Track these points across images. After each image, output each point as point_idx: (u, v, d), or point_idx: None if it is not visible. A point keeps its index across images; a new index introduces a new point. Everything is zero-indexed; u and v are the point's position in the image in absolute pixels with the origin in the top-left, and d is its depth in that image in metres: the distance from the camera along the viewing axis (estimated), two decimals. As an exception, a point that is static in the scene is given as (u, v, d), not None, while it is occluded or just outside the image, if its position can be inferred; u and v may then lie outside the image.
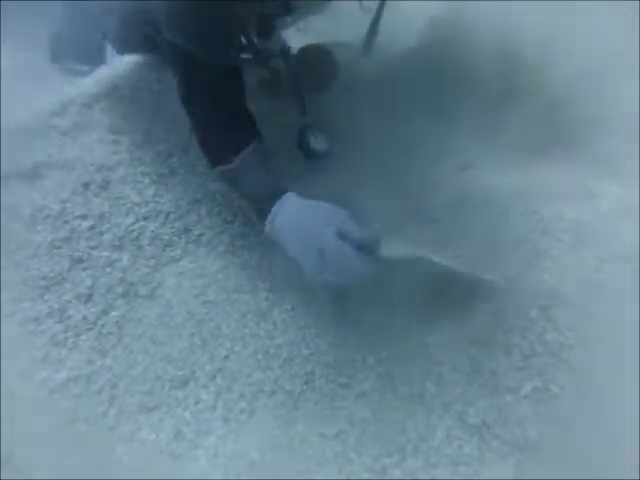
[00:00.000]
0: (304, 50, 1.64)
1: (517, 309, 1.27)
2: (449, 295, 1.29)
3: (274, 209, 1.20)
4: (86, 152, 1.48)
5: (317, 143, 1.58)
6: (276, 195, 1.21)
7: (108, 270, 1.32)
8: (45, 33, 2.24)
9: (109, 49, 2.03)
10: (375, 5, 1.59)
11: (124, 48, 1.74)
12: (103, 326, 1.26)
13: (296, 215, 1.18)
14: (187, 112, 1.34)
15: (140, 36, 1.61)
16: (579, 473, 1.05)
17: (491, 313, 1.27)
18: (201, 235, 1.42)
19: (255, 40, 1.51)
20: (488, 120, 1.61)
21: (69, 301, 1.27)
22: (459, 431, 1.13)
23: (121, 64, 1.79)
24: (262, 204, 1.23)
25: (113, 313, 1.28)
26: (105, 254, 1.34)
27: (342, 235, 1.10)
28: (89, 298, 1.29)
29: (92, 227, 1.37)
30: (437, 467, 1.09)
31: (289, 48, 1.63)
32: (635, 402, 1.10)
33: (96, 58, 2.10)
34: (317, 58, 1.65)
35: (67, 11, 2.25)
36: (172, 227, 1.41)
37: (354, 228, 1.11)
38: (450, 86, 1.69)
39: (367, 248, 1.09)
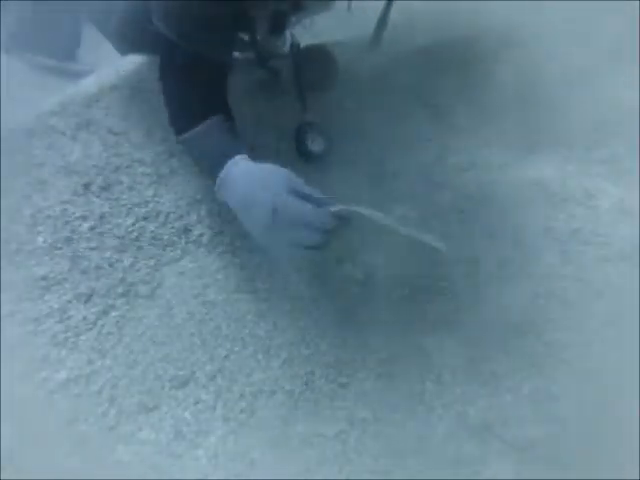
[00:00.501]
0: (304, 49, 1.64)
1: (517, 309, 1.27)
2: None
3: (221, 174, 1.15)
4: (86, 153, 1.48)
5: (314, 145, 1.57)
6: (225, 160, 1.15)
7: (108, 270, 1.32)
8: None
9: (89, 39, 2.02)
10: (362, 5, 1.59)
11: (127, 48, 1.72)
12: (103, 326, 1.26)
13: (243, 178, 1.12)
14: (162, 84, 1.33)
15: (146, 36, 1.58)
16: (579, 473, 1.05)
17: (491, 313, 1.27)
18: (201, 235, 1.42)
19: (259, 38, 1.50)
20: (488, 121, 1.61)
21: (69, 301, 1.27)
22: (459, 431, 1.13)
23: (121, 64, 1.79)
24: (213, 170, 1.18)
25: (113, 313, 1.28)
26: (105, 255, 1.34)
27: (294, 192, 1.04)
28: (89, 298, 1.29)
29: (93, 228, 1.37)
30: (437, 467, 1.09)
31: (299, 45, 1.61)
32: (635, 402, 1.10)
33: (63, 51, 2.09)
34: (317, 57, 1.65)
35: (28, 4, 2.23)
36: (172, 227, 1.41)
37: (304, 186, 1.07)
38: (451, 86, 1.69)
39: (322, 204, 1.05)
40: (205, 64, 1.29)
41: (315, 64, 1.63)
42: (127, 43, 1.70)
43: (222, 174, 1.15)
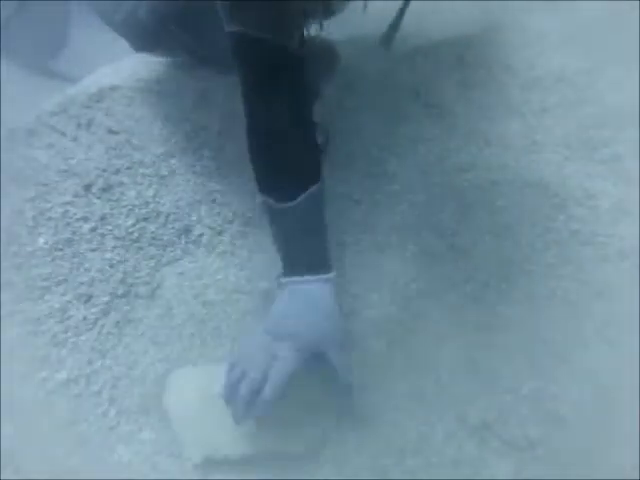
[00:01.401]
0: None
1: (517, 309, 1.27)
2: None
3: (282, 280, 1.08)
4: (87, 153, 1.48)
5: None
6: (312, 269, 1.07)
7: (109, 271, 1.32)
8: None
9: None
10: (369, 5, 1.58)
11: (143, 46, 1.67)
12: (103, 326, 1.26)
13: (285, 315, 1.06)
14: (247, 108, 1.16)
15: (166, 34, 1.53)
16: (579, 473, 1.05)
17: (490, 313, 1.27)
18: (201, 235, 1.42)
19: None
20: (488, 121, 1.61)
21: (69, 301, 1.28)
22: (459, 431, 1.13)
23: (121, 64, 1.79)
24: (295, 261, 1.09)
25: (113, 313, 1.28)
26: (106, 255, 1.34)
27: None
28: (89, 299, 1.29)
29: (93, 229, 1.37)
30: (437, 467, 1.09)
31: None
32: (635, 402, 1.10)
33: (47, 51, 2.07)
34: (319, 48, 1.63)
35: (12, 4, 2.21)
36: (172, 228, 1.41)
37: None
38: (451, 86, 1.69)
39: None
40: (287, 69, 1.14)
41: (316, 55, 1.62)
42: (142, 40, 1.64)
43: (284, 280, 1.08)
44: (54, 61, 2.23)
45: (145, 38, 1.59)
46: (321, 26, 1.49)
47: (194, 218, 1.43)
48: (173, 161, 1.50)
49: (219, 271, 1.37)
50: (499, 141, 1.56)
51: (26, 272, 1.30)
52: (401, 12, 1.59)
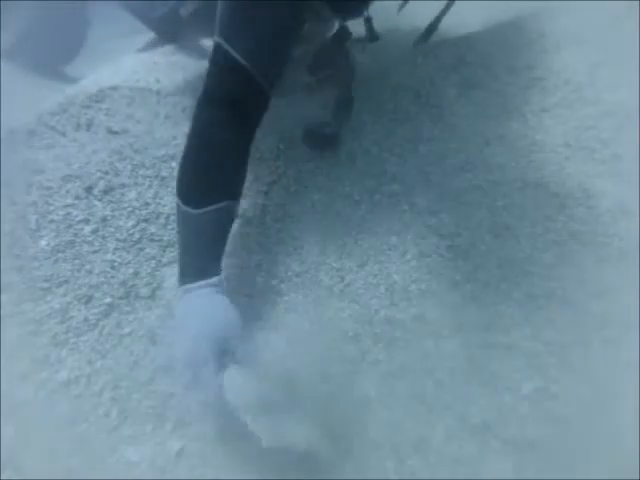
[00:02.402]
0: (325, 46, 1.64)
1: (517, 310, 1.27)
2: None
3: (180, 290, 1.16)
4: (87, 155, 1.48)
5: (326, 129, 1.57)
6: (201, 274, 1.15)
7: (110, 272, 1.33)
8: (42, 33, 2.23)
9: None
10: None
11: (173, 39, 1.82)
12: (104, 327, 1.26)
13: (189, 316, 1.13)
14: (195, 116, 1.23)
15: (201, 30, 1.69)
16: (579, 473, 1.05)
17: (490, 313, 1.27)
18: (201, 236, 1.42)
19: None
20: (487, 121, 1.61)
21: (70, 302, 1.28)
22: (459, 431, 1.13)
23: (121, 64, 1.80)
24: (188, 269, 1.17)
25: (114, 314, 1.28)
26: (107, 257, 1.34)
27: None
28: (90, 300, 1.29)
29: (95, 231, 1.37)
30: (437, 467, 1.09)
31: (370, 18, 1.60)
32: (635, 402, 1.10)
33: (66, 53, 2.09)
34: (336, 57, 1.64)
35: (27, 17, 2.23)
36: (172, 228, 1.41)
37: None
38: (451, 86, 1.69)
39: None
40: (250, 102, 1.23)
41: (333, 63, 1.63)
42: (175, 34, 1.79)
43: (181, 291, 1.15)
44: (70, 66, 2.24)
45: (180, 32, 1.75)
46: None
47: (194, 218, 1.43)
48: (173, 162, 1.50)
49: (219, 271, 1.37)
50: (499, 141, 1.56)
51: (27, 273, 1.30)
52: (442, 14, 1.61)
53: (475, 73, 1.71)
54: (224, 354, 1.08)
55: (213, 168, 1.21)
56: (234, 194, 1.24)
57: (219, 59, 1.20)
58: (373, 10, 1.56)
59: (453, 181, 1.50)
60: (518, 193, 1.45)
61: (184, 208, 1.18)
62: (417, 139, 1.59)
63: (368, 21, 1.57)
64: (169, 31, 1.83)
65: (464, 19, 1.81)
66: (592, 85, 1.62)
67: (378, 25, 1.60)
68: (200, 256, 1.18)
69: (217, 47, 1.20)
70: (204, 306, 1.14)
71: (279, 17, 1.20)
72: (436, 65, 1.75)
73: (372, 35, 1.61)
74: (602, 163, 1.48)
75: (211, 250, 1.20)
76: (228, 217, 1.23)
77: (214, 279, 1.16)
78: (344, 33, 1.57)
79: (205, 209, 1.17)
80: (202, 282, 1.14)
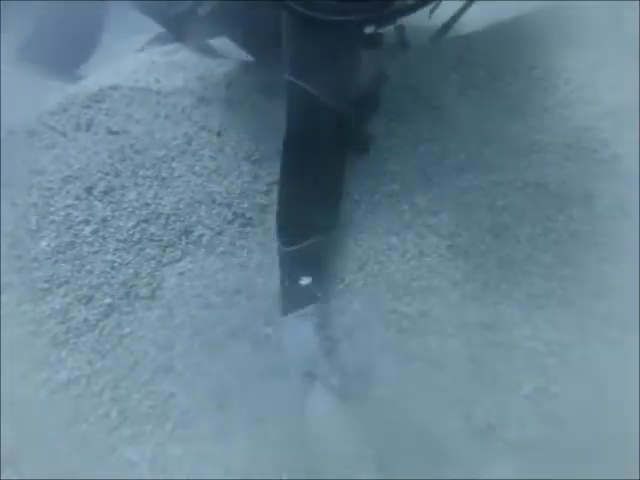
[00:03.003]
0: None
1: (518, 309, 1.27)
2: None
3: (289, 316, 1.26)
4: (88, 156, 1.48)
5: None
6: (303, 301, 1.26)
7: (110, 273, 1.33)
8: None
9: None
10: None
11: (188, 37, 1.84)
12: (104, 327, 1.26)
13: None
14: (285, 158, 1.30)
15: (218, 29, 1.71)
16: (579, 473, 1.05)
17: (491, 312, 1.27)
18: (201, 236, 1.42)
19: None
20: (487, 121, 1.61)
21: (70, 303, 1.28)
22: (461, 431, 1.13)
23: (121, 64, 1.79)
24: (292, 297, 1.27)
25: (114, 314, 1.28)
26: (107, 257, 1.34)
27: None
28: (90, 300, 1.29)
29: (95, 231, 1.37)
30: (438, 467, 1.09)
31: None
32: (635, 402, 1.10)
33: (65, 64, 2.10)
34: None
35: (41, 17, 2.24)
36: (172, 229, 1.41)
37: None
38: (451, 86, 1.69)
39: None
40: (334, 133, 1.28)
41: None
42: (191, 33, 1.80)
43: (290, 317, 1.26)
44: (84, 66, 2.24)
45: (196, 31, 1.76)
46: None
47: (194, 219, 1.43)
48: (173, 163, 1.50)
49: (219, 271, 1.38)
50: (499, 141, 1.56)
51: (28, 274, 1.30)
52: (459, 13, 1.62)
53: (475, 73, 1.71)
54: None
55: (308, 205, 1.30)
56: (328, 226, 1.33)
57: (296, 97, 1.26)
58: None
59: (453, 181, 1.50)
60: (518, 193, 1.45)
61: (280, 247, 1.29)
62: (417, 139, 1.59)
63: (400, 29, 1.59)
64: (185, 30, 1.84)
65: (464, 19, 1.80)
66: (592, 85, 1.61)
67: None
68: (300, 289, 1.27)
69: (292, 85, 1.25)
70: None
71: (347, 46, 1.24)
72: (436, 65, 1.75)
73: (404, 43, 1.64)
74: (602, 163, 1.48)
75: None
76: (320, 251, 1.32)
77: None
78: (377, 37, 1.58)
79: (297, 246, 1.27)
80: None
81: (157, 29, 2.02)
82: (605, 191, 1.43)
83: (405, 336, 1.27)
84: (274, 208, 1.45)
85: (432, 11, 1.58)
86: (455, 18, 1.66)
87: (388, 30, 1.54)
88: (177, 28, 1.89)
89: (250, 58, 1.79)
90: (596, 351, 1.20)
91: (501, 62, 1.71)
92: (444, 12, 1.65)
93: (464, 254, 1.36)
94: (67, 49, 2.20)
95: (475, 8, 1.79)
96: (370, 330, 1.29)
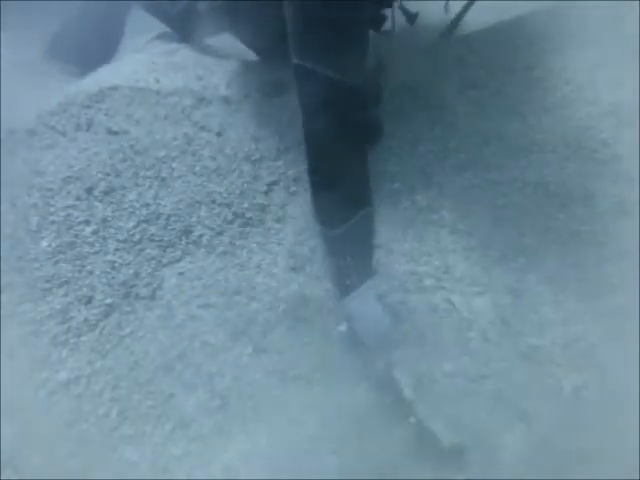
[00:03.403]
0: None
1: (519, 311, 1.27)
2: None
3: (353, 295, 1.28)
4: (88, 156, 1.48)
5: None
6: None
7: (110, 273, 1.33)
8: (46, 32, 2.24)
9: None
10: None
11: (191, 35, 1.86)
12: (104, 327, 1.26)
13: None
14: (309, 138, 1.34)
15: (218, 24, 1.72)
16: (579, 473, 1.05)
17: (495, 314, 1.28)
18: (201, 236, 1.42)
19: None
20: (487, 121, 1.61)
21: (71, 303, 1.28)
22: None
23: (121, 64, 1.80)
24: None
25: (114, 314, 1.28)
26: (107, 258, 1.34)
27: None
28: (90, 300, 1.29)
29: (95, 232, 1.38)
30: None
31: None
32: (635, 402, 1.11)
33: (90, 63, 2.11)
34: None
35: (73, 12, 2.26)
36: (173, 229, 1.41)
37: None
38: (451, 86, 1.69)
39: None
40: (349, 105, 1.30)
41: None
42: (193, 30, 1.83)
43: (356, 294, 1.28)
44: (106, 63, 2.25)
45: (197, 28, 1.79)
46: None
47: (194, 219, 1.43)
48: (173, 163, 1.50)
49: (219, 271, 1.38)
50: (499, 141, 1.56)
51: (28, 274, 1.30)
52: (465, 9, 1.63)
53: (475, 73, 1.71)
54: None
55: (341, 186, 1.33)
56: (365, 201, 1.36)
57: (306, 80, 1.27)
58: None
59: (453, 181, 1.50)
60: (518, 193, 1.45)
61: (324, 232, 1.33)
62: (417, 139, 1.59)
63: (402, 6, 1.61)
64: (186, 28, 1.87)
65: (464, 19, 1.81)
66: (592, 85, 1.62)
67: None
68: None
69: (299, 68, 1.26)
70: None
71: (350, 20, 1.25)
72: (436, 65, 1.75)
73: (410, 17, 1.66)
74: (602, 163, 1.48)
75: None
76: (366, 226, 1.35)
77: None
78: (379, 18, 1.58)
79: (341, 228, 1.31)
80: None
81: (157, 29, 2.02)
82: (605, 191, 1.43)
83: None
84: (274, 208, 1.46)
85: (447, 7, 1.59)
86: (462, 14, 1.66)
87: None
88: (180, 26, 1.90)
89: (252, 56, 1.79)
90: (597, 351, 1.20)
91: (501, 62, 1.71)
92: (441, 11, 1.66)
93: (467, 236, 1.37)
94: (92, 47, 2.22)
95: (475, 8, 1.79)
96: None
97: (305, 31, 1.25)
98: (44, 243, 1.34)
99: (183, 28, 1.89)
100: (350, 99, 1.30)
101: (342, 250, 1.32)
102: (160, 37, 2.03)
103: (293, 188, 1.50)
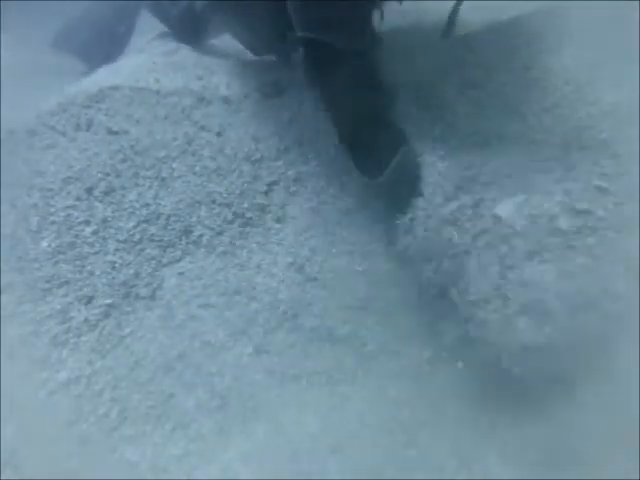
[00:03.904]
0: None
1: (520, 310, 1.27)
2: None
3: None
4: (88, 156, 1.48)
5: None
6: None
7: (110, 273, 1.33)
8: (46, 32, 2.25)
9: None
10: None
11: (191, 36, 1.88)
12: (104, 327, 1.26)
13: None
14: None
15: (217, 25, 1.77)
16: (579, 473, 1.05)
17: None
18: (201, 236, 1.42)
19: None
20: (487, 121, 1.61)
21: (71, 303, 1.28)
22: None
23: (121, 64, 1.80)
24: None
25: (114, 314, 1.28)
26: (107, 258, 1.34)
27: None
28: (90, 300, 1.29)
29: (95, 232, 1.38)
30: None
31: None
32: (635, 402, 1.11)
33: (95, 60, 2.12)
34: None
35: (82, 9, 2.28)
36: (173, 229, 1.41)
37: None
38: (451, 86, 1.69)
39: None
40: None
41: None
42: (192, 31, 1.86)
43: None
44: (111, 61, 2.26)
45: (196, 29, 1.83)
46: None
47: (194, 219, 1.44)
48: (173, 163, 1.50)
49: (219, 271, 1.38)
50: (499, 141, 1.56)
51: (28, 274, 1.30)
52: (455, 10, 1.63)
53: (475, 73, 1.71)
54: None
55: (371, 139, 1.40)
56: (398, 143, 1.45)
57: (311, 50, 1.35)
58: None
59: (453, 181, 1.49)
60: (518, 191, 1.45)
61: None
62: (417, 139, 1.59)
63: None
64: (186, 29, 1.89)
65: (464, 19, 1.81)
66: (592, 85, 1.61)
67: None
68: None
69: (304, 41, 1.33)
70: None
71: None
72: (436, 65, 1.75)
73: None
74: (602, 163, 1.48)
75: None
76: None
77: None
78: None
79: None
80: None
81: (157, 29, 2.02)
82: (605, 191, 1.43)
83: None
84: (274, 208, 1.46)
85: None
86: (454, 14, 1.66)
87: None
88: (179, 27, 1.91)
89: (251, 56, 1.79)
90: (598, 351, 1.20)
91: (500, 62, 1.71)
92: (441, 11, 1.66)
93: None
94: (99, 45, 2.23)
95: (475, 8, 1.79)
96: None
97: (304, 5, 1.30)
98: (44, 243, 1.34)
99: (183, 28, 1.89)
100: (353, 58, 1.36)
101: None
102: (160, 37, 2.03)
103: (293, 188, 1.50)
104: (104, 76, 1.71)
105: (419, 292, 1.35)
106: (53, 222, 1.37)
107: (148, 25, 2.13)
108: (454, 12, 1.67)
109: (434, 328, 1.29)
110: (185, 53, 1.88)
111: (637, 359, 1.15)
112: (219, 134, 1.56)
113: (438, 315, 1.30)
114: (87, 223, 1.38)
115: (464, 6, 1.74)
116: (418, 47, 1.79)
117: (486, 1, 1.83)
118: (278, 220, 1.45)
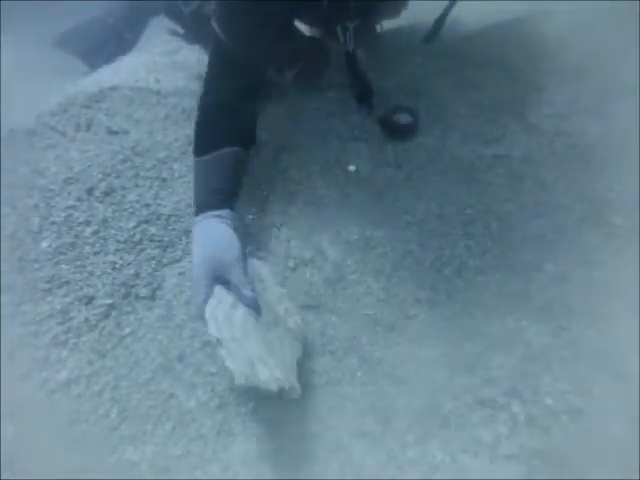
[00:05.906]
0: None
1: (519, 312, 1.28)
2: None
3: (197, 218, 1.27)
4: (88, 156, 1.48)
5: (402, 119, 1.59)
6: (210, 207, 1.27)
7: (110, 273, 1.33)
8: (46, 32, 2.25)
9: None
10: None
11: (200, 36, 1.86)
12: (104, 327, 1.26)
13: (200, 241, 1.24)
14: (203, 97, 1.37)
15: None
16: (579, 473, 1.05)
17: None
18: (201, 236, 1.42)
19: None
20: (487, 121, 1.61)
21: (71, 303, 1.28)
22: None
23: (121, 64, 1.80)
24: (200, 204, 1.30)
25: (114, 314, 1.28)
26: (108, 258, 1.35)
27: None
28: (91, 300, 1.29)
29: (96, 232, 1.38)
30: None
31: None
32: (635, 402, 1.11)
33: (98, 61, 2.12)
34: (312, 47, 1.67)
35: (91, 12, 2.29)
36: (173, 229, 1.42)
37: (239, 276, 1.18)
38: (451, 86, 1.70)
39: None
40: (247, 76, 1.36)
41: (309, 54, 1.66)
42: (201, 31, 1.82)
43: (198, 219, 1.27)
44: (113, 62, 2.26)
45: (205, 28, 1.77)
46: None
47: (194, 219, 1.43)
48: (174, 164, 1.50)
49: (219, 271, 1.37)
50: (499, 141, 1.56)
51: (29, 275, 1.30)
52: (445, 13, 1.63)
53: (474, 73, 1.71)
54: (217, 277, 1.17)
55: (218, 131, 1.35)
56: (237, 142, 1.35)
57: (214, 42, 1.33)
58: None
59: (453, 181, 1.50)
60: (518, 193, 1.46)
61: (195, 158, 1.34)
62: (417, 139, 1.59)
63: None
64: (198, 28, 1.86)
65: (464, 19, 1.81)
66: (591, 85, 1.62)
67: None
68: (209, 194, 1.30)
69: (212, 31, 1.33)
70: (207, 232, 1.24)
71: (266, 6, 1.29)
72: (436, 65, 1.75)
73: None
74: (602, 163, 1.49)
75: (219, 189, 1.30)
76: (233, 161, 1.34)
77: (222, 212, 1.26)
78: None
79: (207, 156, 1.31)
80: (209, 213, 1.26)
81: (157, 29, 2.03)
82: (605, 190, 1.43)
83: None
84: (274, 209, 1.46)
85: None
86: (442, 19, 1.65)
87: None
88: (192, 26, 1.90)
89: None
90: (598, 350, 1.20)
91: (500, 62, 1.72)
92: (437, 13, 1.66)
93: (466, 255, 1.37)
94: (103, 46, 2.24)
95: (475, 8, 1.80)
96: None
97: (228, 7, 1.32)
98: (45, 244, 1.34)
99: (195, 28, 1.89)
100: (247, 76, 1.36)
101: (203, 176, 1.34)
102: (160, 37, 2.04)
103: (293, 189, 1.51)
104: (104, 76, 1.71)
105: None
106: (53, 222, 1.38)
107: (149, 25, 2.14)
108: (442, 17, 1.66)
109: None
110: (185, 53, 1.89)
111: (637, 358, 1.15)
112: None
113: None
114: (87, 223, 1.39)
115: (464, 6, 1.75)
116: (417, 47, 1.79)
117: (486, 1, 1.84)
118: (278, 221, 1.45)
